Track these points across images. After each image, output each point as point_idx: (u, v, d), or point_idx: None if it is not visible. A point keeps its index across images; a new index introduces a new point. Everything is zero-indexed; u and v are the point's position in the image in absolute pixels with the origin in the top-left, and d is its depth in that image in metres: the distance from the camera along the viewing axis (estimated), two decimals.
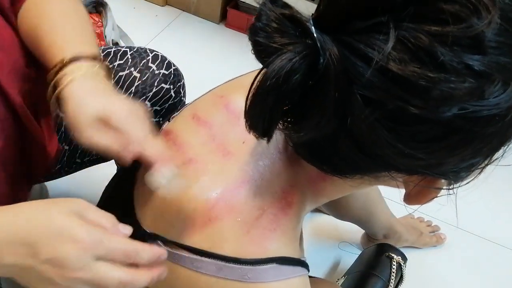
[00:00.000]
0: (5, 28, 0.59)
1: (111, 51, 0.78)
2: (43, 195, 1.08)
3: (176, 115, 0.60)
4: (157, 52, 0.79)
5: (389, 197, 1.10)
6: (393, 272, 0.98)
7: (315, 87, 0.36)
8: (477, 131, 0.35)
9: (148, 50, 0.79)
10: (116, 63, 0.77)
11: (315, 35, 0.35)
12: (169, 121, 0.61)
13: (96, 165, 0.87)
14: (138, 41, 1.50)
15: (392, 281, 0.97)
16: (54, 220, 0.43)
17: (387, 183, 0.46)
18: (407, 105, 0.33)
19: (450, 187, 0.43)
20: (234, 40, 1.63)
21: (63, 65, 0.53)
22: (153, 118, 0.77)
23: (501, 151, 0.40)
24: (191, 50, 1.56)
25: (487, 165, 0.41)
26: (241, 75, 0.59)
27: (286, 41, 0.36)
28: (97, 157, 0.83)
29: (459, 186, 0.43)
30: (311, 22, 0.36)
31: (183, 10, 1.70)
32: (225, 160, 0.52)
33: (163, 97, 0.77)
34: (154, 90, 0.76)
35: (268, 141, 0.41)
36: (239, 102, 0.55)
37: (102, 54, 0.76)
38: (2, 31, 0.58)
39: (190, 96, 0.67)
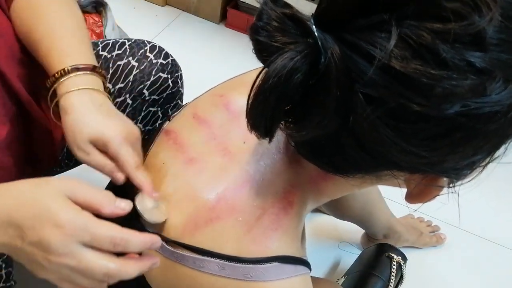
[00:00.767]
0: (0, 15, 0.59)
1: (109, 42, 0.79)
2: None
3: (176, 114, 0.60)
4: (155, 43, 0.80)
5: (389, 197, 1.10)
6: (393, 272, 0.98)
7: (316, 86, 0.36)
8: (479, 128, 0.35)
9: (146, 41, 0.79)
10: (114, 53, 0.77)
11: (316, 34, 0.35)
12: (169, 121, 0.61)
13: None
14: None
15: (392, 281, 0.97)
16: (39, 202, 0.42)
17: (388, 182, 0.46)
18: (409, 102, 0.34)
19: (452, 186, 0.43)
20: (234, 40, 1.63)
21: (64, 74, 0.55)
22: (151, 108, 0.79)
23: (502, 149, 0.40)
24: (191, 50, 1.56)
25: (488, 163, 0.41)
26: (241, 74, 0.59)
27: (287, 40, 0.36)
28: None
29: (461, 184, 0.43)
30: (312, 21, 0.36)
31: (183, 10, 1.70)
32: (226, 160, 0.52)
33: (161, 86, 0.78)
34: (152, 79, 0.77)
35: (270, 141, 0.41)
36: (239, 102, 0.55)
37: (100, 46, 0.77)
38: None
39: (190, 96, 0.67)
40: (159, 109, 0.80)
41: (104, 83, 0.58)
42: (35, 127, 0.65)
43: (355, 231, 1.13)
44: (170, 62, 0.79)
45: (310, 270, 0.52)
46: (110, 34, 1.36)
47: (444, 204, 0.48)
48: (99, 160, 0.53)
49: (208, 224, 0.49)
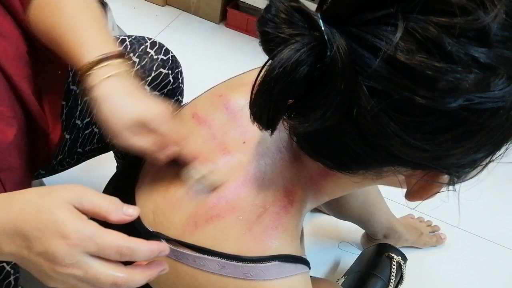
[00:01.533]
0: (6, 16, 0.59)
1: None
2: None
3: (175, 114, 0.61)
4: (155, 39, 0.80)
5: (389, 197, 1.10)
6: (393, 272, 0.98)
7: (321, 78, 0.37)
8: (482, 123, 0.36)
9: (146, 38, 0.80)
10: None
11: (322, 28, 0.36)
12: None
13: (96, 165, 0.87)
14: None
15: (392, 281, 0.97)
16: (45, 212, 0.42)
17: (389, 180, 0.46)
18: (414, 95, 0.34)
19: (453, 184, 0.43)
20: (234, 40, 1.63)
21: (93, 65, 0.54)
22: None
23: (503, 148, 0.40)
24: (191, 50, 1.56)
25: (489, 162, 0.41)
26: (240, 74, 0.60)
27: (294, 32, 0.36)
28: (98, 146, 0.84)
29: (462, 182, 0.43)
30: (319, 16, 0.36)
31: (183, 10, 1.70)
32: (226, 159, 0.52)
33: (162, 81, 0.78)
34: (153, 74, 0.77)
35: (272, 133, 0.41)
36: (239, 101, 0.55)
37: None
38: (2, 19, 0.58)
39: (190, 96, 0.67)
40: None
41: (132, 69, 0.58)
42: (36, 129, 0.66)
43: (355, 231, 1.13)
44: (170, 58, 0.80)
45: (310, 269, 0.52)
46: None
47: (444, 203, 0.48)
48: (143, 141, 0.52)
49: (209, 223, 0.49)
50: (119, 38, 0.80)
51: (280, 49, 0.36)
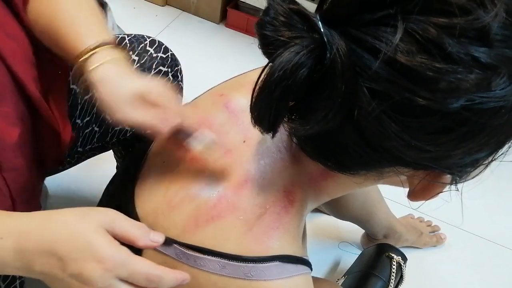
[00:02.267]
0: (11, 17, 0.60)
1: None
2: (43, 194, 1.08)
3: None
4: (154, 38, 0.80)
5: (389, 197, 1.10)
6: (393, 272, 0.98)
7: (321, 80, 0.37)
8: (484, 123, 0.36)
9: (145, 36, 0.80)
10: None
11: (322, 30, 0.35)
12: None
13: (96, 165, 0.87)
14: None
15: (392, 281, 0.97)
16: (82, 236, 0.44)
17: (391, 180, 0.46)
18: (415, 96, 0.34)
19: (455, 183, 0.43)
20: (234, 40, 1.63)
21: (90, 51, 0.55)
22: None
23: (506, 147, 0.40)
24: (191, 50, 1.56)
25: (491, 161, 0.41)
26: (241, 74, 0.60)
27: (293, 35, 0.36)
28: (98, 145, 0.84)
29: (464, 182, 0.43)
30: (318, 18, 0.36)
31: (183, 10, 1.70)
32: (226, 159, 0.52)
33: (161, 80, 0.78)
34: (152, 72, 0.77)
35: (273, 136, 0.41)
36: (239, 101, 0.55)
37: None
38: (9, 21, 0.59)
39: (190, 96, 0.67)
40: None
41: (127, 57, 0.58)
42: (44, 129, 0.66)
43: (355, 231, 1.13)
44: (170, 56, 0.80)
45: (311, 269, 0.52)
46: None
47: (446, 202, 0.48)
48: (145, 113, 0.52)
49: (209, 223, 0.49)
50: (118, 36, 0.80)
51: (280, 52, 0.36)
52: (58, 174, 0.87)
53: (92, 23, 0.59)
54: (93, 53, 0.54)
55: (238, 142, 0.53)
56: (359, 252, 1.09)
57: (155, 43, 0.79)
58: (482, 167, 0.42)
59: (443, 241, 1.19)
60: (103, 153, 0.89)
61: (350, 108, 0.36)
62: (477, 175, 0.43)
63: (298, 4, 0.38)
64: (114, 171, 0.98)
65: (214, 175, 0.52)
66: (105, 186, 0.70)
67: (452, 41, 0.32)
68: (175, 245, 0.50)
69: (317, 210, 1.20)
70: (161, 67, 0.78)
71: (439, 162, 0.39)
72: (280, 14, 0.37)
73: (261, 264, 0.47)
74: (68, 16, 0.58)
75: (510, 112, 0.35)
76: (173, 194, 0.52)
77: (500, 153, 0.40)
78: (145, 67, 0.77)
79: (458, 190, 0.44)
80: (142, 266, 0.45)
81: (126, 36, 0.80)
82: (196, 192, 0.51)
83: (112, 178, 0.70)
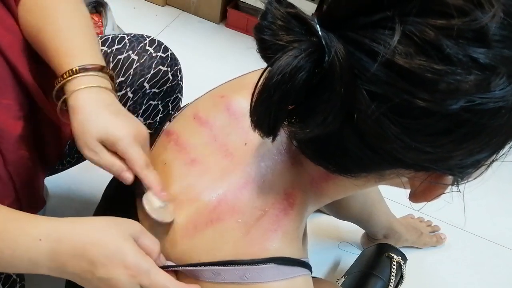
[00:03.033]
0: (7, 12, 0.60)
1: (109, 37, 0.79)
2: (43, 194, 1.08)
3: (177, 115, 0.60)
4: (154, 37, 0.80)
5: (389, 197, 1.10)
6: (393, 272, 0.98)
7: (320, 84, 0.36)
8: (484, 123, 0.35)
9: (145, 35, 0.80)
10: (114, 48, 0.78)
11: (320, 33, 0.35)
12: (170, 121, 0.61)
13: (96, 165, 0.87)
14: None
15: (392, 281, 0.97)
16: (112, 242, 0.47)
17: (392, 182, 0.46)
18: (414, 98, 0.34)
19: (456, 184, 0.43)
20: (234, 40, 1.63)
21: (72, 74, 0.55)
22: (152, 101, 0.80)
23: (507, 147, 0.40)
24: (191, 50, 1.56)
25: (493, 161, 0.41)
26: (242, 75, 0.59)
27: (292, 39, 0.36)
28: None
29: (466, 182, 0.43)
30: (316, 21, 0.36)
31: (183, 10, 1.70)
32: (226, 161, 0.52)
33: (161, 79, 0.78)
34: (152, 72, 0.77)
35: (273, 140, 0.41)
36: (240, 103, 0.55)
37: (100, 41, 0.77)
38: (5, 15, 0.59)
39: (190, 96, 0.67)
40: (159, 102, 0.81)
41: (112, 83, 0.58)
42: (45, 122, 0.66)
43: (355, 231, 1.13)
44: (169, 55, 0.80)
45: (311, 271, 0.52)
46: (110, 34, 1.36)
47: (446, 203, 0.48)
48: (108, 160, 0.53)
49: (209, 226, 0.49)
50: (118, 36, 0.80)
51: (278, 56, 0.36)
52: (58, 174, 0.87)
53: (83, 43, 0.59)
54: (76, 77, 0.55)
55: (239, 145, 0.52)
56: (359, 252, 1.09)
57: (155, 42, 0.79)
58: (483, 167, 0.42)
59: (443, 241, 1.19)
60: None
61: (349, 111, 0.36)
62: (478, 176, 0.43)
63: (295, 7, 0.37)
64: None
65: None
66: (105, 186, 0.70)
67: (450, 42, 0.32)
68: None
69: (317, 210, 1.20)
70: (160, 67, 0.78)
71: (440, 163, 0.39)
72: (277, 18, 0.37)
73: (256, 266, 0.47)
74: (55, 29, 0.58)
75: (510, 112, 0.35)
76: (173, 197, 0.52)
77: (501, 154, 0.40)
78: (144, 67, 0.77)
79: (459, 191, 0.44)
80: (162, 278, 0.47)
81: (125, 35, 0.80)
82: (196, 195, 0.51)
83: (112, 179, 0.70)
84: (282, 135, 0.44)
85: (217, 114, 0.55)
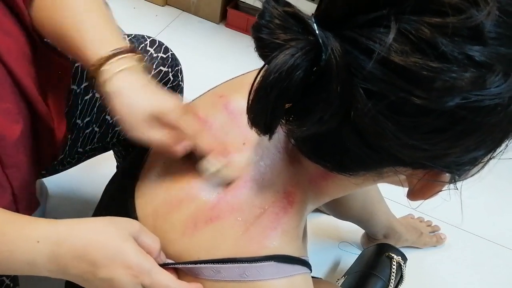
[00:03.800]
0: (7, 14, 0.60)
1: None
2: (43, 194, 1.08)
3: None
4: (154, 38, 0.80)
5: (389, 197, 1.10)
6: (393, 272, 0.98)
7: (317, 82, 0.37)
8: (480, 121, 0.36)
9: (145, 36, 0.80)
10: None
11: (316, 31, 0.36)
12: None
13: (96, 165, 0.87)
14: None
15: (392, 281, 0.97)
16: (113, 243, 0.47)
17: (390, 180, 0.46)
18: (410, 96, 0.34)
19: (454, 182, 0.43)
20: (234, 40, 1.63)
21: (105, 60, 0.54)
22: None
23: (504, 145, 0.40)
24: (191, 50, 1.56)
25: (490, 159, 0.41)
26: (241, 75, 0.60)
27: (289, 37, 0.36)
28: (98, 145, 0.84)
29: (463, 180, 0.43)
30: (313, 20, 0.36)
31: (183, 10, 1.71)
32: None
33: (161, 79, 0.78)
34: (152, 72, 0.77)
35: (270, 137, 0.42)
36: (239, 102, 0.55)
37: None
38: (4, 19, 0.59)
39: (190, 96, 0.67)
40: None
41: (143, 64, 0.58)
42: (40, 125, 0.66)
43: (355, 231, 1.13)
44: (170, 56, 0.80)
45: (311, 270, 0.52)
46: None
47: (445, 202, 0.48)
48: (160, 135, 0.52)
49: (208, 224, 0.49)
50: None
51: (275, 54, 0.36)
52: (58, 174, 0.87)
53: (106, 30, 0.58)
54: (109, 62, 0.54)
55: (238, 144, 0.53)
56: (359, 252, 1.09)
57: (155, 43, 0.79)
58: (481, 165, 0.42)
59: (443, 241, 1.19)
60: (103, 153, 0.89)
61: (346, 109, 0.36)
62: (476, 173, 0.43)
63: (293, 6, 0.38)
64: (114, 171, 0.98)
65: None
66: (105, 186, 0.70)
67: (446, 40, 0.33)
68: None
69: (317, 210, 1.20)
70: (161, 67, 0.78)
71: (437, 160, 0.39)
72: (275, 17, 0.37)
73: (255, 264, 0.47)
74: (76, 21, 0.58)
75: (506, 109, 0.35)
76: (173, 195, 0.52)
77: (499, 151, 0.41)
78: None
79: (457, 189, 0.44)
80: (164, 277, 0.48)
81: (126, 36, 0.80)
82: (196, 193, 0.51)
83: (111, 178, 0.70)
84: (281, 133, 0.44)
85: (216, 114, 0.55)
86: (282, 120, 0.41)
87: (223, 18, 1.69)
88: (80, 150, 0.83)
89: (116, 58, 0.54)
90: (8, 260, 0.47)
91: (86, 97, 0.78)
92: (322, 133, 0.39)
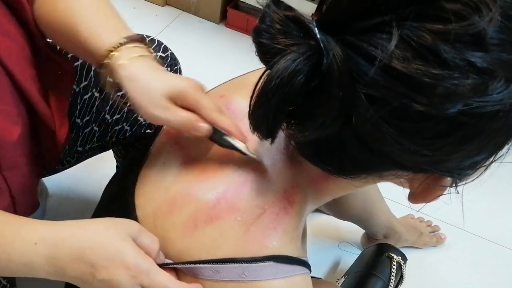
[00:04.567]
0: (8, 16, 0.60)
1: None
2: (43, 194, 1.08)
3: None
4: (153, 37, 0.80)
5: (389, 197, 1.10)
6: (393, 272, 0.98)
7: (319, 87, 0.37)
8: (482, 126, 0.36)
9: (144, 36, 0.79)
10: None
11: (318, 36, 0.35)
12: None
13: (96, 165, 0.87)
14: None
15: (392, 281, 0.97)
16: (111, 244, 0.47)
17: (391, 181, 0.46)
18: (412, 102, 0.34)
19: (455, 185, 0.43)
20: (234, 40, 1.63)
21: (119, 46, 0.54)
22: None
23: (505, 149, 0.40)
24: (191, 50, 1.56)
25: (491, 163, 0.41)
26: (242, 75, 0.60)
27: (290, 42, 0.36)
28: (98, 144, 0.84)
29: (465, 184, 0.43)
30: (314, 24, 0.36)
31: (183, 10, 1.70)
32: (226, 160, 0.52)
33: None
34: None
35: (272, 142, 0.42)
36: (240, 103, 0.55)
37: None
38: (3, 20, 0.59)
39: None
40: None
41: (152, 53, 0.58)
42: (41, 127, 0.66)
43: (355, 231, 1.13)
44: (169, 55, 0.80)
45: (310, 271, 0.52)
46: None
47: (446, 204, 0.48)
48: (182, 113, 0.51)
49: (208, 224, 0.49)
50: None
51: (277, 59, 0.36)
52: (58, 174, 0.87)
53: (111, 19, 0.58)
54: (119, 51, 0.53)
55: None
56: (359, 252, 1.09)
57: (154, 42, 0.79)
58: (481, 169, 0.42)
59: (443, 241, 1.19)
60: (103, 153, 0.89)
61: (348, 114, 0.36)
62: (477, 177, 0.43)
63: (294, 10, 0.38)
64: (114, 171, 0.97)
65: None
66: (105, 186, 0.70)
67: (448, 47, 0.32)
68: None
69: (317, 210, 1.20)
70: None
71: (438, 165, 0.39)
72: (276, 21, 0.37)
73: (255, 264, 0.47)
74: (84, 14, 0.57)
75: (507, 115, 0.35)
76: (173, 195, 0.52)
77: (500, 155, 0.41)
78: None
79: (458, 192, 0.44)
80: (163, 278, 0.47)
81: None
82: (196, 193, 0.51)
83: (111, 178, 0.70)
84: (282, 134, 0.44)
85: None
86: (284, 125, 0.41)
87: (223, 18, 1.69)
88: (80, 149, 0.83)
89: (130, 45, 0.54)
90: (5, 262, 0.47)
91: (85, 96, 0.78)
92: (323, 137, 0.39)
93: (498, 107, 0.35)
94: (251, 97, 0.39)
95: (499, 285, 1.15)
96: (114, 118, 0.81)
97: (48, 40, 0.64)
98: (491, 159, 0.41)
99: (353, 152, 0.40)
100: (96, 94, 0.79)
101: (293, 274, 0.49)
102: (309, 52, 0.35)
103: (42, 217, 1.03)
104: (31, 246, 0.46)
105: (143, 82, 0.51)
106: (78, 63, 0.76)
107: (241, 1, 1.59)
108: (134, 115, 0.81)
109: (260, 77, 0.38)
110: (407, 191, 0.47)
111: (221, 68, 1.51)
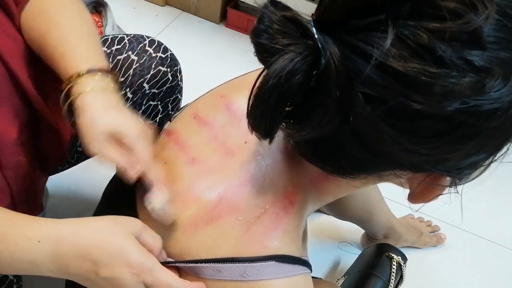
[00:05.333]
0: (7, 19, 0.60)
1: (108, 37, 0.80)
2: (44, 194, 1.08)
3: (177, 115, 0.61)
4: (154, 38, 0.80)
5: (389, 197, 1.10)
6: (393, 272, 0.98)
7: (316, 86, 0.37)
8: (480, 125, 0.36)
9: (144, 36, 0.80)
10: (114, 48, 0.78)
11: (315, 35, 0.36)
12: (170, 121, 0.61)
13: (96, 165, 0.86)
14: None
15: (392, 281, 0.97)
16: (115, 242, 0.47)
17: (391, 182, 0.46)
18: (409, 101, 0.34)
19: (454, 185, 0.43)
20: (234, 40, 1.63)
21: (78, 76, 0.55)
22: (151, 102, 0.80)
23: (505, 148, 0.40)
24: (191, 50, 1.56)
25: (491, 163, 0.41)
26: (242, 75, 0.60)
27: (288, 42, 0.36)
28: None
29: (464, 183, 0.43)
30: (312, 23, 0.36)
31: (183, 10, 1.70)
32: (227, 160, 0.52)
33: (160, 79, 0.78)
34: (151, 72, 0.77)
35: (271, 141, 0.42)
36: (240, 102, 0.55)
37: (101, 42, 0.77)
38: (5, 21, 0.59)
39: (190, 96, 0.67)
40: (159, 103, 0.81)
41: (117, 85, 0.59)
42: (44, 127, 0.66)
43: (355, 231, 1.13)
44: (169, 56, 0.80)
45: (311, 270, 0.52)
46: (110, 34, 1.36)
47: (446, 204, 0.48)
48: (114, 154, 0.53)
49: (209, 224, 0.49)
50: (117, 36, 0.80)
51: (274, 59, 0.36)
52: (58, 174, 0.87)
53: (88, 47, 0.59)
54: (82, 79, 0.55)
55: (239, 143, 0.53)
56: (359, 252, 1.09)
57: (154, 43, 0.79)
58: (481, 168, 0.42)
59: (443, 241, 1.19)
60: None
61: (345, 113, 0.36)
62: (476, 176, 0.43)
63: (292, 10, 0.38)
64: (114, 171, 0.97)
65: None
66: (105, 186, 0.70)
67: (444, 45, 0.32)
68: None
69: (317, 210, 1.20)
70: (160, 67, 0.78)
71: (437, 165, 0.39)
72: (274, 22, 0.37)
73: (256, 264, 0.47)
74: (60, 35, 0.59)
75: (506, 113, 0.35)
76: (174, 195, 0.52)
77: (499, 155, 0.40)
78: (144, 67, 0.77)
79: (458, 192, 0.44)
80: (166, 276, 0.47)
81: (125, 36, 0.80)
82: (197, 193, 0.51)
83: (112, 179, 0.70)
84: (282, 134, 0.44)
85: (217, 114, 0.55)
86: (282, 124, 0.41)
87: (223, 18, 1.69)
88: (80, 149, 0.83)
89: (91, 75, 0.55)
90: (9, 259, 0.47)
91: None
92: (322, 137, 0.39)
93: (496, 105, 0.35)
94: (249, 96, 0.39)
95: (499, 285, 1.15)
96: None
97: None
98: (491, 159, 0.41)
99: (351, 151, 0.40)
100: None
101: (295, 273, 0.49)
102: (306, 52, 0.36)
103: (42, 217, 1.03)
104: (35, 244, 0.47)
105: (90, 115, 0.53)
106: None
107: (241, 1, 1.59)
108: None
109: (258, 77, 0.38)
110: (407, 191, 0.47)
111: (221, 68, 1.51)
